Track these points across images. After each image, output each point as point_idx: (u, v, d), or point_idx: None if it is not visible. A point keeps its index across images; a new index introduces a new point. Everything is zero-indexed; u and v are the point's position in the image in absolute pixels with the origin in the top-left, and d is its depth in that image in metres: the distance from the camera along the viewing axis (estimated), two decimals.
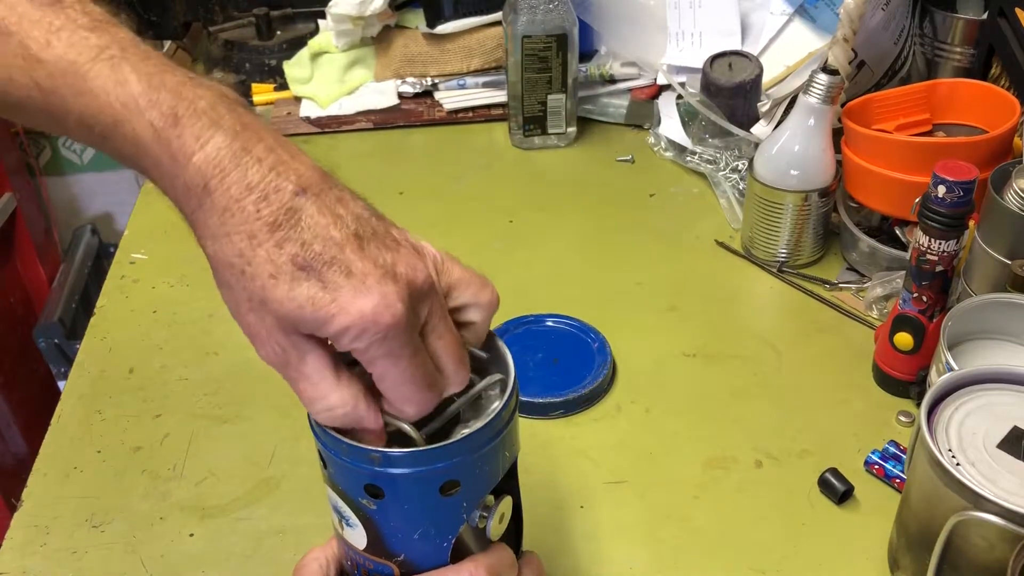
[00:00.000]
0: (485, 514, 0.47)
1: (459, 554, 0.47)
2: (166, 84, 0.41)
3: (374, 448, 0.43)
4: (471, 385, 0.48)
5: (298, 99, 1.21)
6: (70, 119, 0.42)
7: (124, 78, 0.40)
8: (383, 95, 1.20)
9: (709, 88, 1.03)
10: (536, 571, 0.51)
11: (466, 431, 0.44)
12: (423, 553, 0.46)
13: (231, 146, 0.40)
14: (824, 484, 0.70)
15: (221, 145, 0.40)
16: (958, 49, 1.03)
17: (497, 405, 0.45)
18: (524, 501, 0.52)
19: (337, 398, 0.42)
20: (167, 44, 1.35)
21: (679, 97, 1.08)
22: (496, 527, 0.47)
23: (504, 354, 0.49)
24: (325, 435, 0.44)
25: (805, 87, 0.85)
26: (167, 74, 0.41)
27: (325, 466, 0.46)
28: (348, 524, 0.46)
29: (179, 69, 0.42)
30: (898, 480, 0.69)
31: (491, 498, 0.47)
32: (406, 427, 0.44)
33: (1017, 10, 0.92)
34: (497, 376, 0.48)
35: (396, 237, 0.43)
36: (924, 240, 0.70)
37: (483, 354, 0.49)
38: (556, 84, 1.08)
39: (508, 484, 0.49)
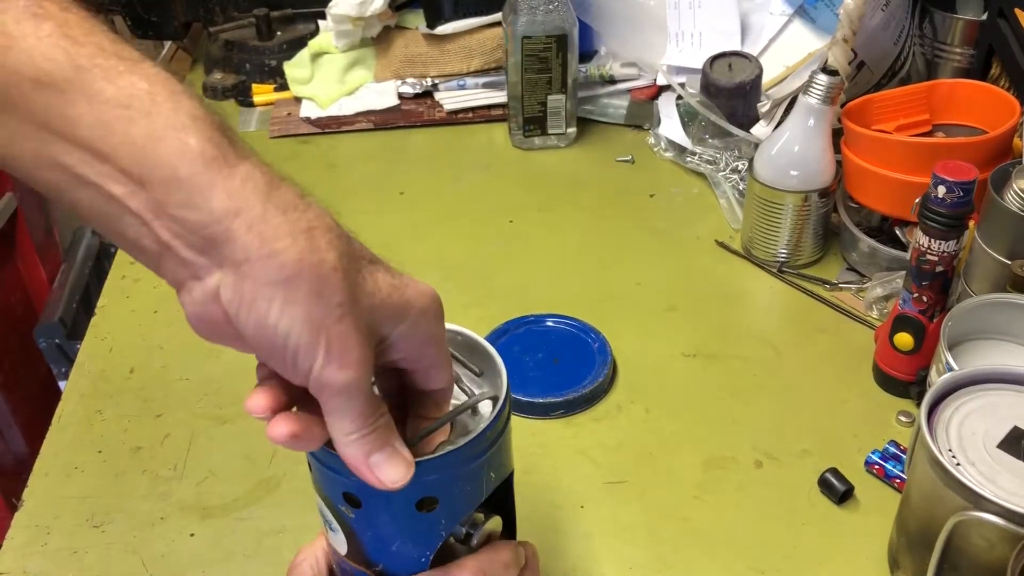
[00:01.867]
0: (472, 531, 0.46)
1: (447, 560, 0.47)
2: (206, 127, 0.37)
3: None
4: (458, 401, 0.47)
5: (298, 99, 1.21)
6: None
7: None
8: (383, 95, 1.20)
9: (709, 89, 1.03)
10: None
11: (447, 448, 0.43)
12: (401, 565, 0.45)
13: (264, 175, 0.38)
14: (824, 484, 0.70)
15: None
16: (958, 50, 1.03)
17: (481, 426, 0.44)
18: (524, 500, 0.52)
19: (382, 407, 0.41)
20: (167, 44, 1.35)
21: (679, 97, 1.08)
22: (482, 547, 0.47)
23: (499, 373, 0.47)
24: None
25: (805, 88, 0.85)
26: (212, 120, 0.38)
27: (311, 470, 0.46)
28: (331, 529, 0.46)
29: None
30: (898, 480, 0.69)
31: (480, 516, 0.47)
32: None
33: (1017, 11, 0.92)
34: (481, 395, 0.47)
35: None
36: (924, 240, 0.70)
37: (476, 370, 0.49)
38: (556, 85, 1.08)
39: (500, 502, 0.48)
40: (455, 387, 0.48)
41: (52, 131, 0.36)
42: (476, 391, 0.48)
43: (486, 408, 0.47)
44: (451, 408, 0.47)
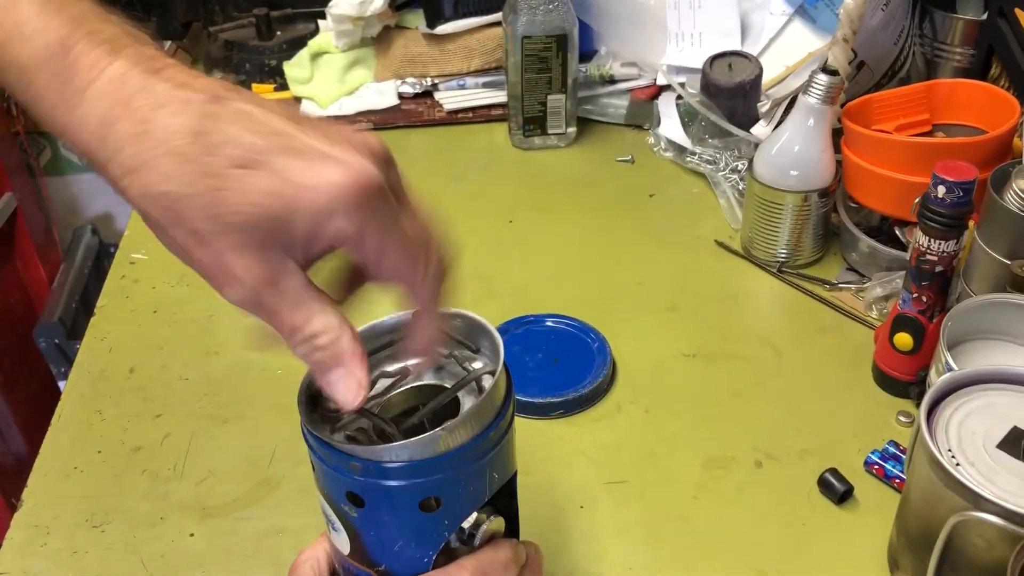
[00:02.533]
0: (474, 532, 0.46)
1: (450, 561, 0.47)
2: (64, 11, 0.36)
3: (356, 456, 0.42)
4: (459, 386, 0.47)
5: (298, 99, 1.21)
6: None
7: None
8: (383, 95, 1.20)
9: (709, 88, 1.03)
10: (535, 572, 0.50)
11: (450, 448, 0.43)
12: (403, 565, 0.45)
13: (133, 70, 0.35)
14: (824, 484, 0.70)
15: (124, 70, 0.35)
16: (958, 49, 1.03)
17: (484, 426, 0.44)
18: (524, 501, 0.52)
19: (322, 322, 0.38)
20: (167, 44, 1.35)
21: (679, 97, 1.08)
22: (484, 547, 0.47)
23: (499, 356, 0.47)
24: (313, 439, 0.43)
25: (805, 87, 0.85)
26: (69, 4, 0.37)
27: (314, 469, 0.45)
28: (334, 529, 0.46)
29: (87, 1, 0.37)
30: (898, 480, 0.69)
31: (483, 516, 0.47)
32: (385, 425, 0.44)
33: (1017, 10, 0.92)
34: (477, 401, 0.45)
35: (329, 122, 0.39)
36: (924, 240, 0.70)
37: (474, 346, 0.49)
38: (556, 84, 1.08)
39: (502, 503, 0.48)
40: (458, 366, 0.48)
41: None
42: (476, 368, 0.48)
43: (490, 384, 0.46)
44: (455, 384, 0.47)
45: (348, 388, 0.40)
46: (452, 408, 0.46)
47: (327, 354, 0.39)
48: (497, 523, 0.47)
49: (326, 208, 0.35)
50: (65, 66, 0.35)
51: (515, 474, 0.49)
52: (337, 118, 1.17)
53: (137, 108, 0.35)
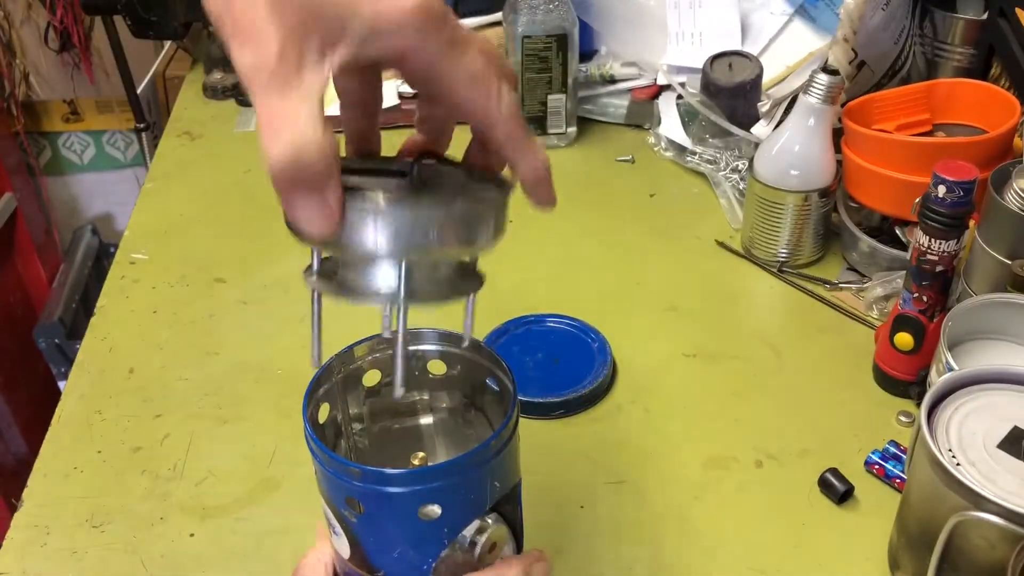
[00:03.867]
0: (475, 540, 0.46)
1: (452, 571, 0.47)
2: None
3: (355, 463, 0.42)
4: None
5: None
6: None
7: None
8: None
9: (709, 88, 1.03)
10: None
11: (448, 457, 0.43)
12: (403, 572, 0.45)
13: None
14: (824, 484, 0.70)
15: None
16: (958, 49, 1.03)
17: (485, 434, 0.44)
18: (525, 501, 0.52)
19: (312, 131, 0.37)
20: (167, 44, 1.35)
21: (679, 97, 1.08)
22: (486, 556, 0.46)
23: (507, 387, 0.48)
24: (314, 443, 0.44)
25: (805, 87, 0.85)
26: None
27: (316, 473, 0.46)
28: (335, 533, 0.46)
29: None
30: (898, 480, 0.69)
31: (484, 524, 0.46)
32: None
33: (1017, 10, 0.92)
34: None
35: None
36: (924, 240, 0.70)
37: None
38: (556, 84, 1.08)
39: (506, 511, 0.48)
40: None
41: None
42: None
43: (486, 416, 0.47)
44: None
45: (317, 217, 0.38)
46: None
47: (301, 174, 0.37)
48: (499, 531, 0.47)
49: (385, 22, 0.35)
50: None
51: (519, 482, 0.49)
52: (336, 117, 1.17)
53: None
